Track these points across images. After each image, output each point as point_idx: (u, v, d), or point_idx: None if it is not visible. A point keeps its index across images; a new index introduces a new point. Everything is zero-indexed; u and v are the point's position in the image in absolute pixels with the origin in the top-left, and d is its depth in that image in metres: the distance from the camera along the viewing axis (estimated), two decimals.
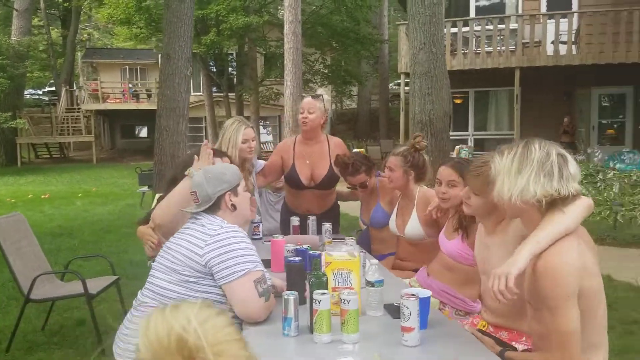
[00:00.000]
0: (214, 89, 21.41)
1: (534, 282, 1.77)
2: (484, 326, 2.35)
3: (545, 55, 13.38)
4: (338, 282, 2.18)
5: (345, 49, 18.76)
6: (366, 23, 19.43)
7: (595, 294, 1.77)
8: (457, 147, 13.68)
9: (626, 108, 15.15)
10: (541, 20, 13.59)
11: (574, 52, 13.45)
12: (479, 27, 13.89)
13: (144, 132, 27.71)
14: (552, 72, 13.54)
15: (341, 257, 2.18)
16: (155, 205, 2.99)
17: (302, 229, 3.64)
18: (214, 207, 2.25)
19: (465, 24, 14.01)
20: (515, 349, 2.11)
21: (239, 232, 2.18)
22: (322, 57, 19.63)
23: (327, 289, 1.99)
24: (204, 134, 23.21)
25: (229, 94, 20.19)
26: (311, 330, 1.95)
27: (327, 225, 3.44)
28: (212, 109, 20.35)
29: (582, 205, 1.83)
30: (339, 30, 18.11)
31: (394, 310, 2.20)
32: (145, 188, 11.23)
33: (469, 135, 15.20)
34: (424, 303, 1.98)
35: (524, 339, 2.18)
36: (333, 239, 3.41)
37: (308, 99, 3.79)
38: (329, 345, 1.88)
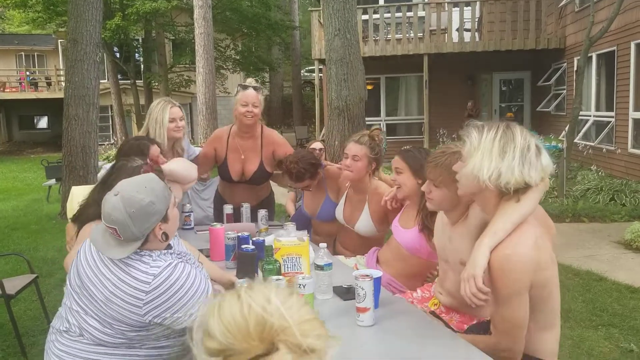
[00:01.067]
0: (120, 76, 20.51)
1: (487, 274, 1.79)
2: (435, 304, 2.41)
3: (451, 43, 13.95)
4: (288, 267, 2.20)
5: (257, 35, 18.58)
6: (278, 9, 19.32)
7: (547, 285, 1.80)
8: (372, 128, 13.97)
9: (524, 92, 16.13)
10: (446, 8, 14.14)
11: (477, 39, 14.12)
12: (388, 15, 14.22)
13: (43, 123, 26.08)
14: (458, 58, 14.14)
15: (290, 242, 2.20)
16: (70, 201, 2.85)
17: (236, 217, 3.61)
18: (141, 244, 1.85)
19: (376, 12, 14.31)
20: None
21: (173, 267, 1.83)
22: (233, 43, 19.32)
23: (280, 275, 1.99)
24: (111, 122, 22.23)
25: (137, 81, 19.43)
26: None
27: (262, 212, 3.42)
28: (119, 97, 19.51)
29: (537, 190, 1.83)
30: (250, 15, 17.89)
31: (342, 292, 2.25)
32: (52, 181, 10.62)
33: (381, 120, 15.57)
34: (377, 283, 2.04)
35: (474, 322, 2.24)
36: (269, 225, 3.40)
37: (252, 92, 3.55)
38: None
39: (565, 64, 13.54)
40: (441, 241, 2.33)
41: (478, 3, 14.26)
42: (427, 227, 2.60)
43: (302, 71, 24.49)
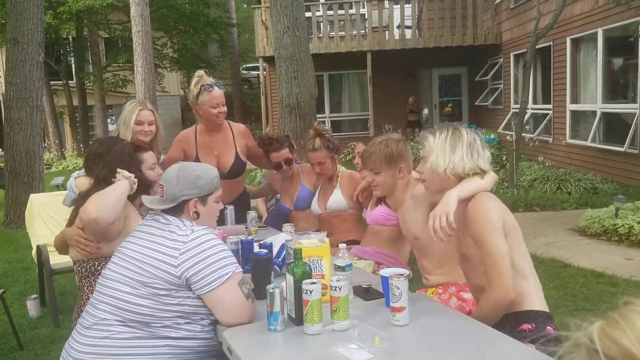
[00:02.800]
0: (51, 77, 19.55)
1: (465, 222, 2.06)
2: (432, 293, 2.52)
3: (393, 40, 14.18)
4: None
5: (194, 32, 18.17)
6: (217, 7, 18.96)
7: (516, 229, 2.08)
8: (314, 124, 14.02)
9: (462, 87, 16.62)
10: (387, 6, 14.34)
11: (418, 36, 14.41)
12: (331, 12, 14.29)
13: None
14: (399, 55, 14.38)
15: (311, 244, 2.15)
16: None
17: (220, 220, 3.51)
18: (176, 209, 2.08)
19: (318, 9, 14.33)
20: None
21: (211, 233, 2.02)
22: (170, 41, 18.83)
23: (311, 278, 1.94)
24: (42, 125, 21.15)
25: (69, 82, 18.59)
26: (298, 321, 1.91)
27: (252, 214, 3.36)
28: (51, 98, 18.60)
29: (492, 176, 2.17)
30: (188, 13, 17.48)
31: (363, 293, 2.22)
32: None
33: (325, 117, 15.62)
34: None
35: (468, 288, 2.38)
36: (258, 227, 3.34)
37: (219, 92, 3.55)
38: (325, 335, 1.84)
39: (502, 59, 14.04)
40: (403, 228, 2.71)
41: (418, 0, 14.55)
42: (382, 199, 2.93)
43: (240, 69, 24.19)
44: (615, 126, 9.38)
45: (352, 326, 1.81)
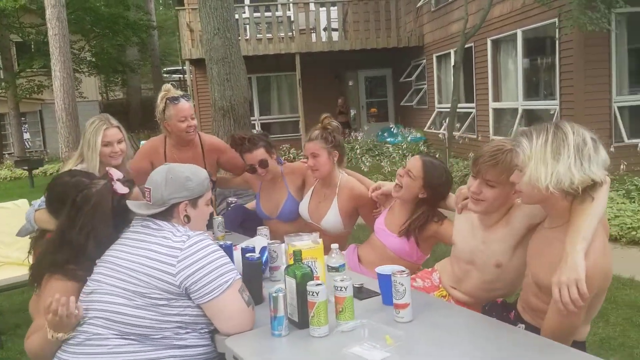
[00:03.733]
0: None
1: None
2: (443, 296, 2.46)
3: (321, 42, 14.30)
4: None
5: (114, 35, 17.52)
6: (137, 9, 18.36)
7: (605, 291, 1.86)
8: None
9: (387, 88, 17.01)
10: (313, 8, 14.44)
11: (344, 38, 14.61)
12: (258, 14, 14.20)
13: None
14: (327, 56, 14.52)
15: (305, 245, 2.13)
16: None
17: None
18: (165, 213, 1.99)
19: (245, 11, 14.22)
20: None
21: (207, 239, 1.95)
22: (88, 45, 18.05)
23: (313, 279, 1.92)
24: None
25: None
26: (302, 325, 1.88)
27: (218, 220, 3.26)
28: None
29: (606, 189, 1.81)
30: (106, 15, 16.83)
31: (357, 292, 2.22)
32: None
33: (255, 120, 15.51)
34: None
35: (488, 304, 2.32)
36: (225, 232, 3.26)
37: (186, 104, 3.35)
38: (333, 337, 1.83)
39: (425, 60, 14.50)
40: (469, 243, 2.31)
41: (343, 3, 14.75)
42: (413, 236, 2.65)
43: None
44: (536, 122, 9.90)
45: (361, 325, 1.81)
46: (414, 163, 2.66)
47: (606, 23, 7.00)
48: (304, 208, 3.22)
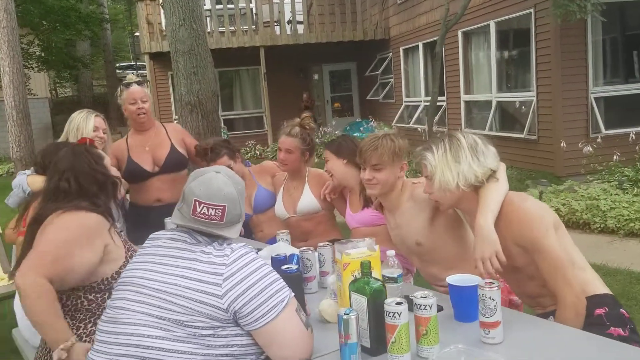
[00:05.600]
0: None
1: (505, 233, 1.90)
2: None
3: (285, 35, 13.90)
4: None
5: (65, 29, 16.62)
6: (89, 0, 17.47)
7: (559, 220, 1.97)
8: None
9: (352, 82, 16.76)
10: (277, 0, 14.03)
11: (310, 31, 14.25)
12: (220, 7, 13.69)
13: None
14: (292, 50, 14.14)
15: (360, 254, 1.79)
16: None
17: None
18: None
19: (206, 3, 13.68)
20: None
21: (252, 251, 1.61)
22: (37, 39, 17.08)
23: (386, 296, 1.58)
24: None
25: None
26: (376, 351, 1.55)
27: None
28: None
29: (503, 169, 2.06)
30: (56, 8, 15.94)
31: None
32: None
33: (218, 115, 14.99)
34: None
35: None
36: None
37: (137, 88, 3.42)
38: None
39: (391, 54, 14.30)
40: (395, 237, 2.48)
41: None
42: (370, 201, 2.72)
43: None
44: (511, 114, 9.82)
45: (456, 352, 1.48)
46: (325, 155, 2.89)
47: (593, 11, 6.88)
48: (279, 207, 3.22)
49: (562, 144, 7.42)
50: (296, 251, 2.24)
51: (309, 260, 2.17)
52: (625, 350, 1.57)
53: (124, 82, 3.50)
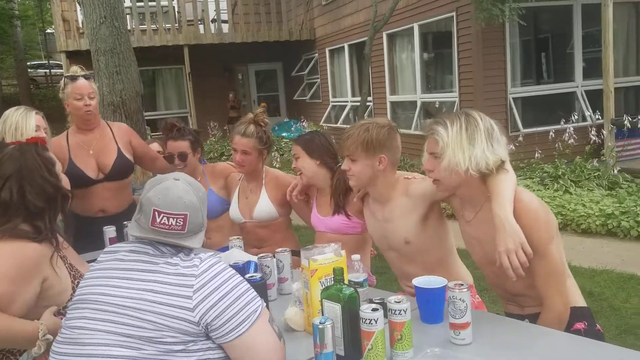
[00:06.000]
0: None
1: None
2: None
3: (210, 34, 13.66)
4: None
5: None
6: None
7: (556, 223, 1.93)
8: None
9: (278, 82, 16.71)
10: None
11: (235, 30, 14.08)
12: (141, 4, 13.25)
13: None
14: (217, 49, 13.91)
15: (328, 259, 1.77)
16: None
17: (120, 239, 2.91)
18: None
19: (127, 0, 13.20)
20: None
21: (221, 260, 1.54)
22: None
23: (360, 304, 1.57)
24: None
25: None
26: (350, 358, 1.53)
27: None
28: None
29: (508, 163, 1.95)
30: None
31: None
32: None
33: None
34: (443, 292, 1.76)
35: None
36: None
37: (84, 82, 3.14)
38: None
39: (317, 54, 14.38)
40: (378, 230, 2.33)
41: None
42: (341, 207, 2.62)
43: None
44: (435, 115, 10.13)
45: (433, 355, 1.49)
46: (294, 151, 2.71)
47: (515, 15, 7.21)
48: (234, 211, 3.05)
49: None
50: (252, 258, 2.19)
51: (268, 267, 2.13)
52: (599, 348, 1.64)
53: (69, 74, 3.22)
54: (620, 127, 7.13)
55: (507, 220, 1.76)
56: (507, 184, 1.84)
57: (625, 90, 9.25)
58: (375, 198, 2.31)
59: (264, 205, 2.92)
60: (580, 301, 1.93)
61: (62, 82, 3.24)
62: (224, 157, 11.26)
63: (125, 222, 2.94)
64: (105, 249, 1.63)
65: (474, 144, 1.83)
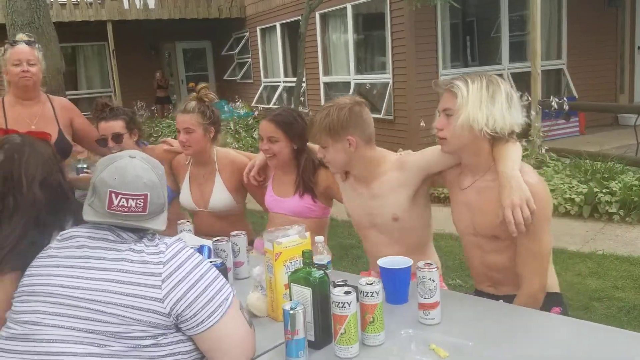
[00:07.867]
0: None
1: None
2: None
3: (135, 9, 13.09)
4: None
5: None
6: None
7: None
8: None
9: (207, 61, 16.28)
10: None
11: (161, 7, 13.55)
12: None
13: None
14: (142, 26, 13.36)
15: (292, 242, 1.70)
16: None
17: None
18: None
19: None
20: None
21: (187, 246, 1.44)
22: None
23: (329, 286, 1.52)
24: None
25: None
26: (321, 344, 1.48)
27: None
28: None
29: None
30: None
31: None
32: None
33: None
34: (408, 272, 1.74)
35: None
36: None
37: (24, 48, 2.92)
38: (364, 355, 1.46)
39: (248, 33, 14.10)
40: (360, 208, 2.22)
41: None
42: (309, 188, 2.50)
43: None
44: (369, 95, 10.18)
45: (408, 337, 1.46)
46: (267, 127, 2.50)
47: None
48: (186, 198, 2.85)
49: (421, 123, 7.80)
50: (206, 242, 2.08)
51: (224, 251, 2.03)
52: (565, 323, 1.67)
53: (10, 40, 3.04)
54: (546, 108, 7.39)
55: (514, 177, 1.76)
56: (517, 152, 1.83)
57: (547, 73, 9.64)
58: (358, 176, 2.21)
59: (220, 194, 2.75)
60: (556, 287, 1.95)
61: (2, 48, 3.03)
62: (152, 138, 10.84)
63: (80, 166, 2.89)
64: (59, 236, 1.48)
65: (494, 103, 1.78)
